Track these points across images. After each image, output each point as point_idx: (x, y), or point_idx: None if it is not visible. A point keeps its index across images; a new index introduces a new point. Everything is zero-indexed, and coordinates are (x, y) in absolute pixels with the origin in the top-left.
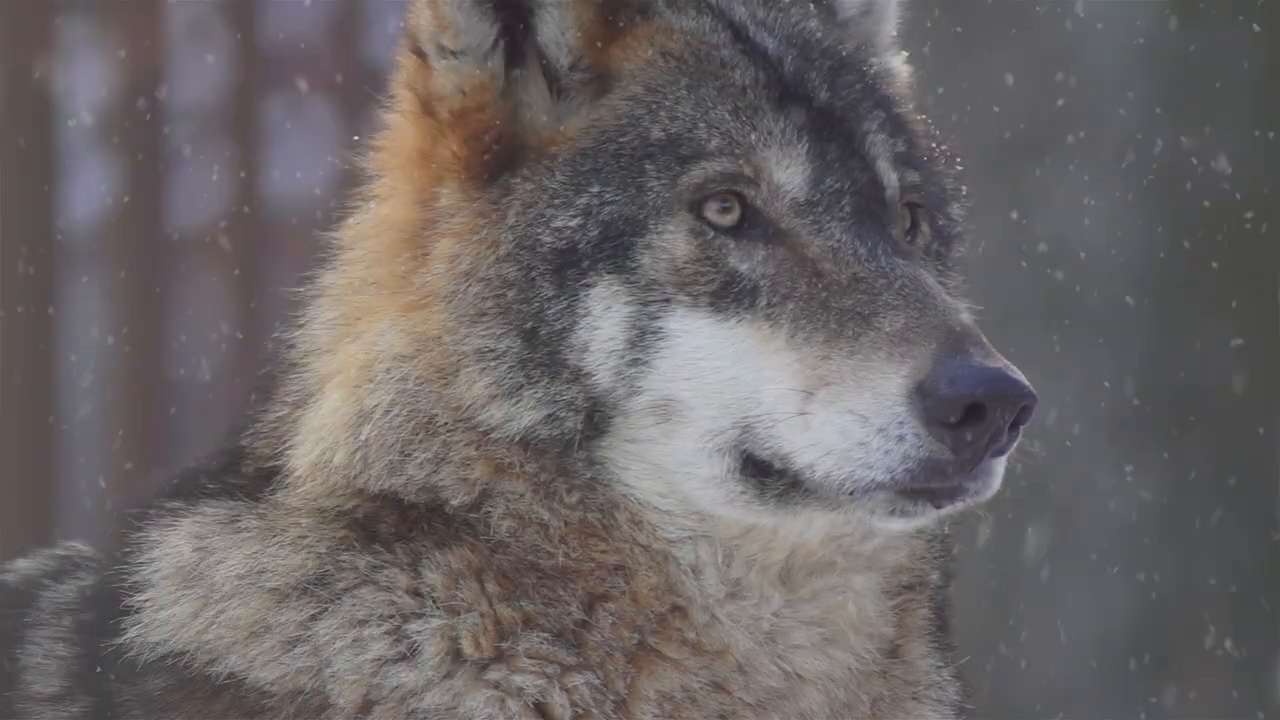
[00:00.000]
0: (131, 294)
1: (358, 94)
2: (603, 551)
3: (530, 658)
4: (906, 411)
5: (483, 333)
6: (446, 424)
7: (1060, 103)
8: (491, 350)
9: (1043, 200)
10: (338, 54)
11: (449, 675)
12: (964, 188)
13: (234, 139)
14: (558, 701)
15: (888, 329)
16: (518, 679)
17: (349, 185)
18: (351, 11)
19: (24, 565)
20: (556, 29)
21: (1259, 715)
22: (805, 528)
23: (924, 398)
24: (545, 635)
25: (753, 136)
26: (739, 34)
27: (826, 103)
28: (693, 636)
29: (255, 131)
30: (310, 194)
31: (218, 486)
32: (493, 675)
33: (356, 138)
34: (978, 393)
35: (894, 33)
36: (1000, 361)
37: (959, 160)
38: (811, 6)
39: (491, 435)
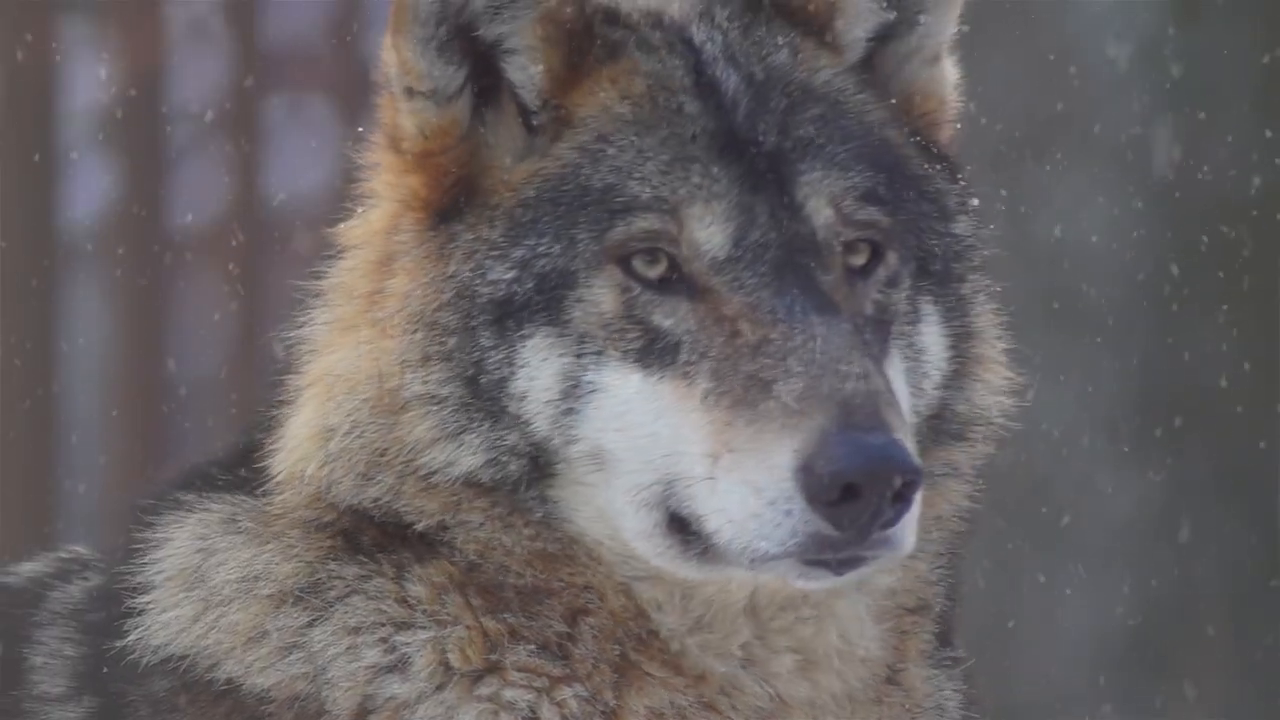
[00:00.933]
0: (131, 294)
1: (358, 94)
2: (570, 574)
3: (519, 670)
4: (792, 488)
5: (426, 378)
6: (397, 456)
7: (1060, 103)
8: (434, 395)
9: (1043, 200)
10: (338, 54)
11: (440, 688)
12: (974, 200)
13: (234, 139)
14: (548, 715)
15: (784, 399)
16: (508, 693)
17: (352, 181)
18: (351, 11)
19: (28, 568)
20: (524, 75)
21: (1259, 715)
22: (752, 576)
23: (806, 475)
24: (531, 648)
25: (682, 191)
26: (702, 74)
27: (774, 147)
28: (671, 659)
29: (255, 131)
30: (310, 194)
31: (227, 479)
32: (484, 690)
33: (361, 129)
34: (850, 475)
35: (935, 46)
36: (885, 436)
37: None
38: (780, 39)
39: (433, 478)
